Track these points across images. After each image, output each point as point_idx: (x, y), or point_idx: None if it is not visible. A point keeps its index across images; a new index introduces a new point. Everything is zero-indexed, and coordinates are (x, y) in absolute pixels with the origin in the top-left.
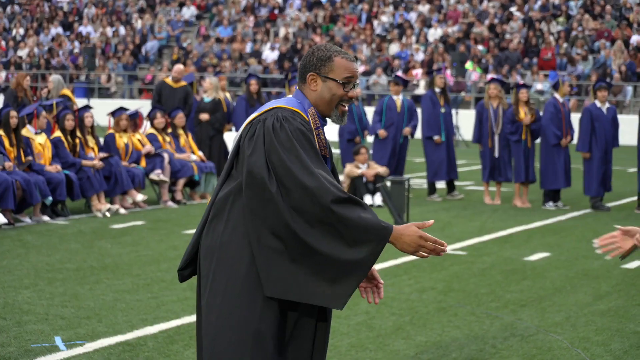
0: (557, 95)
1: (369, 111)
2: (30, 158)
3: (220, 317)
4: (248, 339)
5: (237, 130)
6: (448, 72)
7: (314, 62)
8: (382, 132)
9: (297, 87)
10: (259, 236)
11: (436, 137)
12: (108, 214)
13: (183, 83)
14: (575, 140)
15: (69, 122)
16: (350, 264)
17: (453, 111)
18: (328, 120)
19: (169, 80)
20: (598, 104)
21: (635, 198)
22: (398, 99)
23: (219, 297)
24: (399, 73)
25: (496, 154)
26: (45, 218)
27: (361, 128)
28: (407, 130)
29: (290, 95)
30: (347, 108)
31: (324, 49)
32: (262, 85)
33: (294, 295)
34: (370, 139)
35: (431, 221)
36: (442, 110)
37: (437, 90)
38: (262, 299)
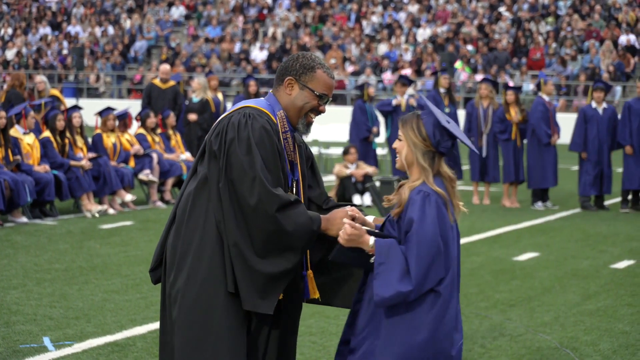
0: (543, 95)
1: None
2: (18, 157)
3: (182, 314)
4: (209, 335)
5: None
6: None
7: (296, 68)
8: (375, 130)
9: (271, 91)
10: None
11: None
12: (97, 214)
13: (172, 83)
14: (562, 139)
15: (60, 123)
16: (280, 273)
17: None
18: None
19: (157, 81)
20: (594, 104)
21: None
22: (402, 99)
23: (180, 293)
24: (387, 73)
25: (483, 154)
26: (24, 219)
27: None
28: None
29: (263, 98)
30: (313, 120)
31: (309, 58)
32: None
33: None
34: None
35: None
36: (447, 110)
37: (442, 90)
38: (225, 295)
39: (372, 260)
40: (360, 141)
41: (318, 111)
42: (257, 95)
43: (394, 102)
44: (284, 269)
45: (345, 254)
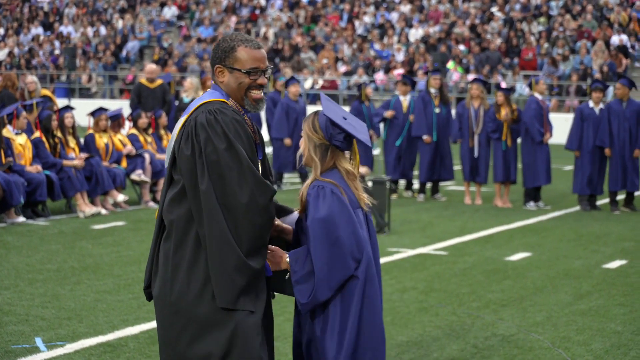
0: (536, 94)
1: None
2: (10, 159)
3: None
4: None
5: None
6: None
7: (219, 55)
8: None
9: (213, 82)
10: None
11: (425, 137)
12: (89, 216)
13: (159, 82)
14: (555, 139)
15: (55, 123)
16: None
17: None
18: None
19: (144, 81)
20: (591, 104)
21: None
22: (405, 100)
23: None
24: (380, 73)
25: (475, 154)
26: (21, 219)
27: (370, 128)
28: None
29: (209, 90)
30: (260, 95)
31: (228, 40)
32: None
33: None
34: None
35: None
36: (437, 110)
37: (433, 91)
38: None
39: (287, 276)
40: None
41: (257, 85)
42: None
43: (386, 114)
44: (263, 264)
45: (278, 285)
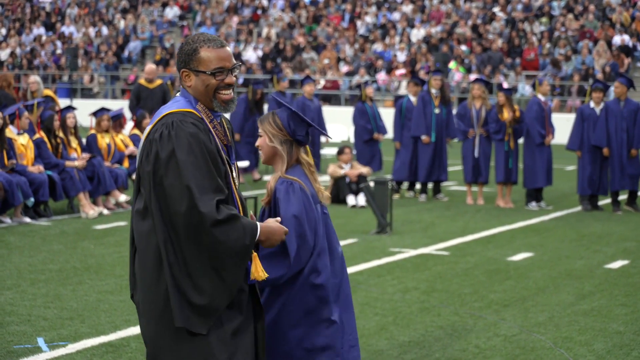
0: (539, 95)
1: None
2: (14, 162)
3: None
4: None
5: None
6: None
7: (183, 58)
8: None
9: (181, 87)
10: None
11: (424, 137)
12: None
13: (159, 82)
14: (557, 140)
15: (57, 123)
16: (214, 292)
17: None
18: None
19: (143, 81)
20: (592, 104)
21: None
22: (415, 100)
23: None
24: (382, 74)
25: (475, 154)
26: (27, 219)
27: (375, 128)
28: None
29: (178, 95)
30: (229, 96)
31: (190, 42)
32: (245, 86)
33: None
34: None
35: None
36: (436, 111)
37: (433, 91)
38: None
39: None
40: (363, 143)
41: (226, 85)
42: (261, 101)
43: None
44: (214, 288)
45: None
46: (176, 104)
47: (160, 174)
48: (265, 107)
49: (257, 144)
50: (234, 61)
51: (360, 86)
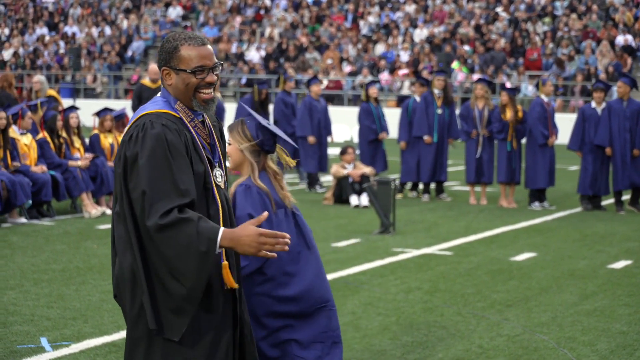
0: (542, 95)
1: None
2: (17, 164)
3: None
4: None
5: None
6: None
7: (164, 57)
8: (383, 135)
9: (162, 87)
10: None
11: (426, 137)
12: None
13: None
14: (560, 140)
15: (60, 123)
16: (179, 298)
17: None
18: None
19: (146, 81)
20: (593, 104)
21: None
22: (419, 100)
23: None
24: (385, 74)
25: (477, 154)
26: (23, 220)
27: (380, 129)
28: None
29: (158, 95)
30: (210, 95)
31: (171, 40)
32: (248, 86)
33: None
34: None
35: (265, 214)
36: (439, 111)
37: (436, 91)
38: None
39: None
40: (368, 143)
41: (206, 84)
42: (266, 100)
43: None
44: (179, 293)
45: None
46: (153, 105)
47: (127, 177)
48: (271, 107)
49: (228, 150)
50: (215, 60)
51: (364, 86)
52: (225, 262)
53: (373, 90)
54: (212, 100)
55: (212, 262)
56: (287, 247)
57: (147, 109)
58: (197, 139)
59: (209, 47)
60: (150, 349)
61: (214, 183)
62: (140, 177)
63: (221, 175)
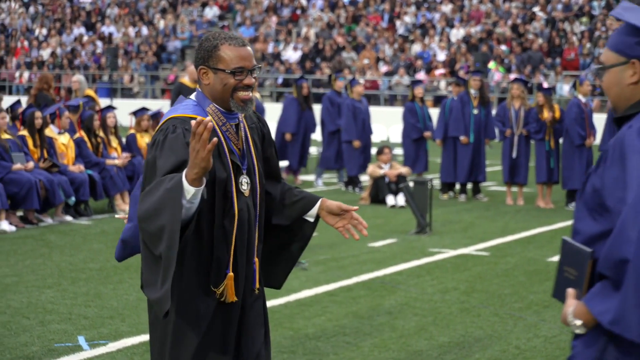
0: (579, 95)
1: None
2: (50, 163)
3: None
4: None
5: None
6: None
7: (202, 56)
8: (427, 134)
9: (198, 87)
10: None
11: (462, 138)
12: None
13: None
14: (597, 140)
15: (97, 123)
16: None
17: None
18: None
19: (186, 80)
20: None
21: None
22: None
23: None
24: (422, 73)
25: (513, 155)
26: (68, 218)
27: (424, 128)
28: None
29: (192, 96)
30: (248, 96)
31: (210, 39)
32: (284, 85)
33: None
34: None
35: (193, 122)
36: (475, 111)
37: (472, 91)
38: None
39: None
40: (411, 142)
41: (244, 86)
42: (308, 97)
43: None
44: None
45: None
46: (183, 108)
47: (145, 180)
48: (318, 107)
49: None
50: (254, 62)
51: (410, 86)
52: (231, 274)
53: (419, 90)
54: (251, 101)
55: (179, 202)
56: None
57: (177, 111)
58: (223, 144)
59: (249, 48)
60: (153, 325)
61: (234, 191)
62: (155, 171)
63: (247, 182)
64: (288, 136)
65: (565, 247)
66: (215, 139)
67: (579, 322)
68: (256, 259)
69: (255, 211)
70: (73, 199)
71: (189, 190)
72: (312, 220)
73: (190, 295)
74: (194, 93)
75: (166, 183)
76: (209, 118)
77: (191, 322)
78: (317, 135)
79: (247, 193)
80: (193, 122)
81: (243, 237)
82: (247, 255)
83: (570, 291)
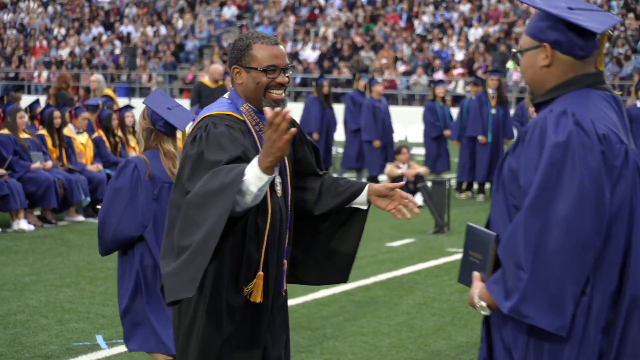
0: None
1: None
2: (71, 166)
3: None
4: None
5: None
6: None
7: (235, 55)
8: (447, 132)
9: (231, 85)
10: None
11: (480, 137)
12: None
13: (221, 82)
14: None
15: (115, 122)
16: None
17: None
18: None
19: (206, 80)
20: (639, 104)
21: None
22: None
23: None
24: (440, 73)
25: None
26: (81, 218)
27: (444, 127)
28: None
29: (225, 96)
30: (280, 96)
31: (243, 38)
32: (303, 85)
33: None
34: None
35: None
36: (493, 111)
37: (490, 91)
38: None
39: None
40: (431, 140)
41: (277, 84)
42: (328, 95)
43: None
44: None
45: None
46: (218, 106)
47: (189, 175)
48: (341, 107)
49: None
50: (287, 61)
51: (431, 85)
52: (260, 273)
53: (440, 90)
54: (283, 101)
55: (232, 196)
56: (289, 116)
57: (211, 110)
58: (258, 143)
59: (282, 47)
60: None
61: (268, 190)
62: (202, 163)
63: (280, 183)
64: (315, 136)
65: (469, 232)
66: (294, 129)
67: (484, 304)
68: (285, 261)
69: (287, 212)
70: (88, 199)
71: (262, 177)
72: (364, 207)
73: (219, 292)
74: (228, 92)
75: (222, 176)
76: (287, 109)
77: (219, 319)
78: (339, 135)
79: (279, 193)
80: (267, 110)
81: (274, 236)
82: (277, 256)
83: (476, 274)
